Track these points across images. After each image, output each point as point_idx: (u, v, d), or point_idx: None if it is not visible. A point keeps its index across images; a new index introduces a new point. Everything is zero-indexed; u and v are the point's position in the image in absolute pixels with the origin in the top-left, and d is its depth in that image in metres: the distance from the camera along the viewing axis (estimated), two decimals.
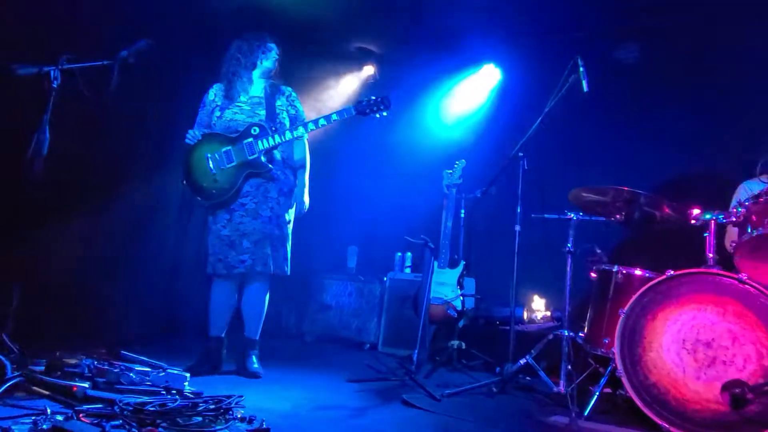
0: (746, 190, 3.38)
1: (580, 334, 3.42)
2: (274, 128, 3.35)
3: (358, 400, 2.93)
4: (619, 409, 3.02)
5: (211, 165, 3.33)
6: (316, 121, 3.30)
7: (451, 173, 4.32)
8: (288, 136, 3.30)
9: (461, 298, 4.08)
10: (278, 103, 3.48)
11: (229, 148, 3.33)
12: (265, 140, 3.29)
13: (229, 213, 3.34)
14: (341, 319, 5.08)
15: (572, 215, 3.30)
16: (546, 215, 3.46)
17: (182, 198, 5.05)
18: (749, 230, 2.79)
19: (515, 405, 3.07)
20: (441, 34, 5.10)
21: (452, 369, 4.06)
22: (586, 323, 3.45)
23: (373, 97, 3.25)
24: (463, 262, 4.18)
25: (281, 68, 3.56)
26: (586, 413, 2.81)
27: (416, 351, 3.39)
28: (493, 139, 5.00)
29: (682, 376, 2.64)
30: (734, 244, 2.85)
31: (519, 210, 3.45)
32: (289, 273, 3.43)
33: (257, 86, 3.51)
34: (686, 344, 2.66)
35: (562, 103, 3.42)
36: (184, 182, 3.40)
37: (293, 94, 3.57)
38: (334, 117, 3.26)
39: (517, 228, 3.42)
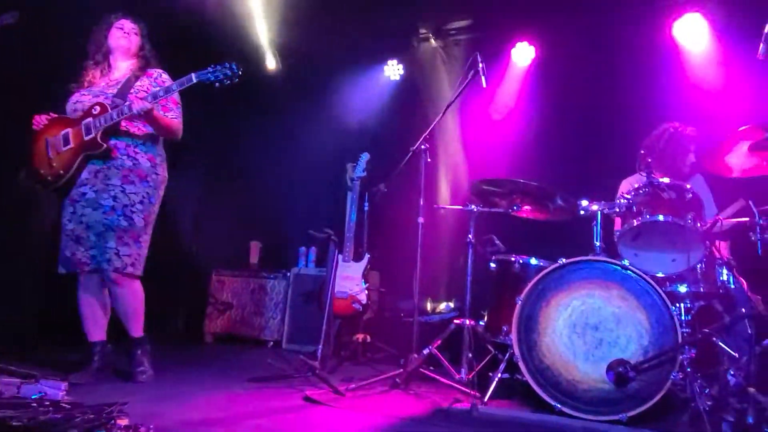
0: (629, 184, 3.64)
1: (481, 323, 3.51)
2: (115, 105, 3.02)
3: (258, 400, 2.82)
4: (517, 393, 3.13)
5: (48, 150, 3.06)
6: (155, 94, 3.01)
7: (355, 166, 4.29)
8: (126, 111, 2.95)
9: (366, 291, 4.06)
10: (138, 83, 3.15)
11: (67, 130, 3.05)
12: (102, 118, 2.99)
13: (72, 205, 3.04)
14: (243, 317, 4.90)
15: (473, 207, 3.37)
16: (447, 206, 3.51)
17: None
18: (630, 220, 2.99)
19: (420, 395, 3.09)
20: (347, 26, 5.05)
21: (358, 363, 4.04)
22: (487, 312, 3.56)
23: (219, 66, 2.96)
24: (367, 256, 4.17)
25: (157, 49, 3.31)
26: (486, 399, 2.89)
27: (320, 346, 3.32)
28: (399, 132, 5.03)
29: (573, 358, 2.78)
30: (617, 233, 3.05)
31: (422, 202, 3.48)
32: (140, 273, 3.09)
33: (120, 69, 3.24)
34: (577, 328, 2.81)
35: (465, 97, 3.50)
36: (24, 171, 3.09)
37: (163, 75, 3.24)
38: (174, 87, 3.00)
39: (420, 220, 3.44)
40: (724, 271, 3.16)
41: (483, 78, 3.48)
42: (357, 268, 4.10)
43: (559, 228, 3.96)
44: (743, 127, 2.86)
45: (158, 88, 3.05)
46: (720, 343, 2.64)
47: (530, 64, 4.96)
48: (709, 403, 2.56)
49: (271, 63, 5.63)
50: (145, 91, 3.12)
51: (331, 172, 4.73)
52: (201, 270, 5.16)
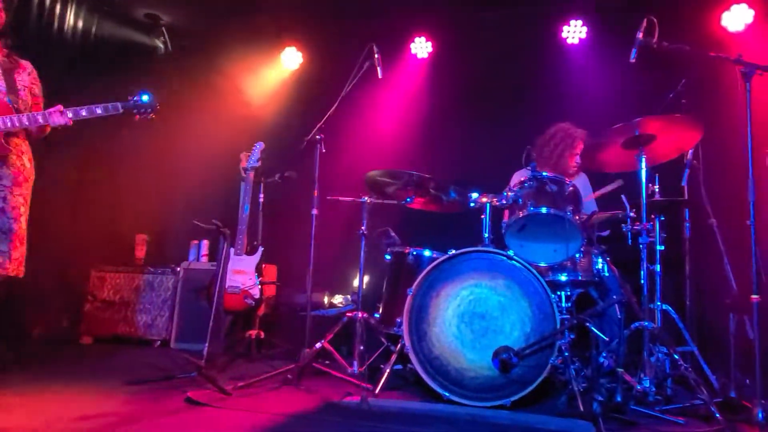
0: (518, 178, 3.79)
1: (376, 315, 3.51)
2: (16, 107, 2.92)
3: (134, 404, 2.61)
4: (409, 383, 3.16)
5: None
6: (77, 111, 2.91)
7: (248, 156, 4.12)
8: (41, 121, 2.89)
9: (260, 285, 3.91)
10: (19, 78, 2.99)
11: None
12: (9, 120, 2.85)
13: None
14: (126, 316, 4.56)
15: (366, 199, 3.34)
16: (340, 198, 3.47)
17: None
18: (517, 212, 3.10)
19: (311, 390, 3.02)
20: (243, 6, 4.84)
21: (251, 360, 3.89)
22: (382, 304, 3.55)
23: (142, 100, 2.96)
24: (261, 249, 4.02)
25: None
26: (377, 391, 2.87)
27: (206, 344, 3.14)
28: (297, 122, 4.90)
29: (461, 347, 2.84)
30: (504, 225, 3.15)
31: (316, 194, 3.40)
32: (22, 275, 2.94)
33: None
34: (465, 317, 2.87)
35: (362, 87, 3.46)
36: None
37: (34, 71, 3.09)
38: (99, 112, 2.92)
39: (314, 212, 3.37)
40: (600, 261, 3.38)
41: (378, 69, 3.47)
42: (250, 262, 3.94)
43: (455, 220, 4.05)
44: (617, 126, 3.05)
45: (82, 108, 2.91)
46: (591, 328, 2.80)
47: (428, 58, 5.02)
48: (583, 384, 2.71)
49: (159, 44, 5.27)
50: (27, 87, 3.01)
51: (225, 162, 4.51)
52: (81, 267, 4.74)
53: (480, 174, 3.97)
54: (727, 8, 4.37)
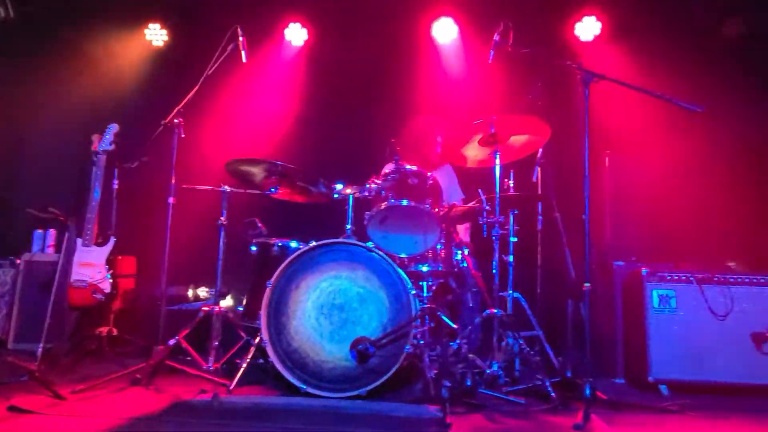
0: (386, 170, 3.84)
1: (239, 308, 3.39)
2: None
3: None
4: (271, 378, 3.09)
5: None
6: None
7: (101, 138, 3.78)
8: None
9: (111, 279, 3.62)
10: None
11: None
12: None
13: None
14: None
15: (226, 188, 3.21)
16: (197, 187, 3.30)
17: None
18: (379, 204, 3.14)
19: (162, 390, 2.86)
20: None
21: (103, 359, 3.60)
22: (246, 297, 3.44)
23: None
24: (113, 239, 3.72)
25: None
26: (232, 387, 2.78)
27: (41, 344, 2.85)
28: (158, 104, 4.58)
29: (320, 339, 2.83)
30: (367, 216, 3.18)
31: (173, 181, 3.21)
32: None
33: None
34: (324, 309, 2.86)
35: (232, 72, 3.30)
36: None
37: None
38: None
39: (171, 200, 3.18)
40: (459, 252, 3.53)
41: (243, 53, 3.33)
42: (100, 254, 3.64)
43: (329, 211, 4.03)
44: (477, 122, 3.19)
45: None
46: (442, 317, 2.91)
47: (303, 46, 4.94)
48: (435, 371, 2.81)
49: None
50: None
51: (75, 144, 4.12)
52: None
53: (351, 165, 3.97)
54: (579, 19, 4.73)
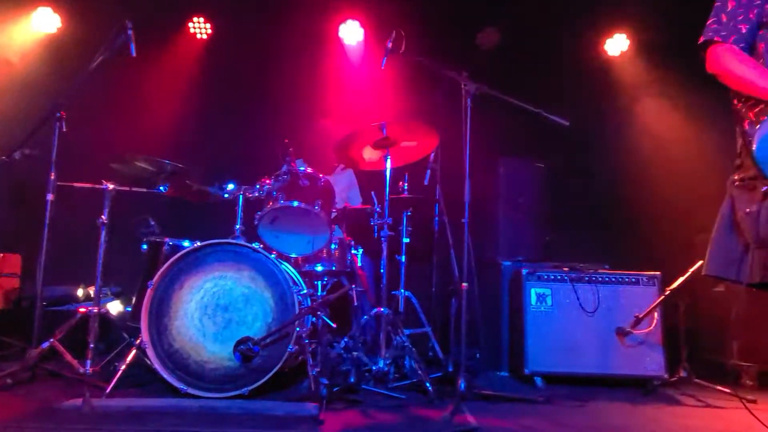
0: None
1: (128, 309, 3.31)
2: None
3: None
4: (151, 380, 3.03)
5: None
6: None
7: None
8: None
9: None
10: None
11: None
12: None
13: None
14: None
15: (109, 185, 3.12)
16: (75, 184, 3.18)
17: None
18: (269, 204, 3.16)
19: (32, 395, 2.74)
20: None
21: None
22: (135, 296, 3.36)
23: None
24: None
25: None
26: (109, 390, 2.72)
27: None
28: (46, 93, 4.35)
29: (203, 339, 2.81)
30: (257, 217, 3.19)
31: (53, 177, 3.07)
32: None
33: None
34: (208, 310, 2.84)
35: (122, 66, 3.19)
36: None
37: None
38: None
39: (49, 197, 3.05)
40: (352, 252, 3.61)
41: (132, 45, 3.24)
42: None
43: (224, 210, 3.99)
44: (368, 126, 3.27)
45: None
46: (323, 316, 2.98)
47: (205, 41, 4.84)
48: (317, 369, 2.87)
49: None
50: None
51: None
52: None
53: (245, 165, 3.95)
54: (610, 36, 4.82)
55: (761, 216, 2.23)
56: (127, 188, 3.17)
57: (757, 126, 2.23)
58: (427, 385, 2.92)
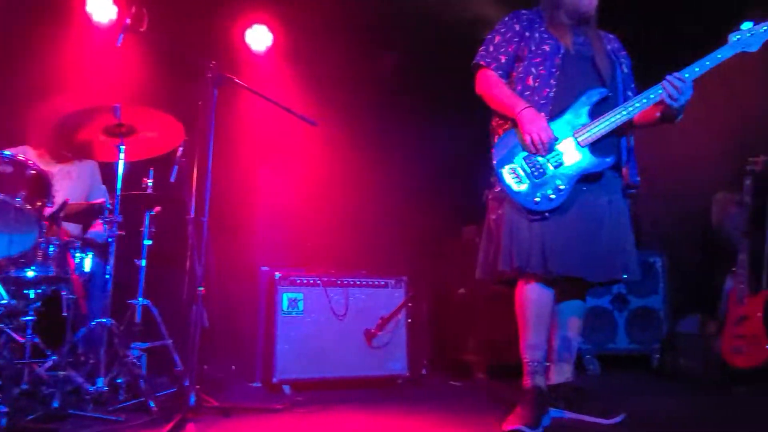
0: None
1: None
2: None
3: None
4: None
5: None
6: None
7: None
8: None
9: None
10: None
11: None
12: None
13: None
14: None
15: None
16: None
17: None
18: None
19: None
20: None
21: None
22: None
23: None
24: None
25: None
26: None
27: None
28: None
29: None
30: None
31: None
32: None
33: None
34: None
35: None
36: None
37: None
38: None
39: None
40: (78, 254, 3.12)
41: None
42: None
43: None
44: (106, 106, 2.85)
45: None
46: (7, 330, 2.49)
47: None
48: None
49: None
50: None
51: None
52: None
53: None
54: (249, 26, 4.64)
55: (499, 222, 2.54)
56: None
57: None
58: (150, 403, 2.60)
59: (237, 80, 2.98)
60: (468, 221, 4.29)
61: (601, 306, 4.24)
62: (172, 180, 3.41)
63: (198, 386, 2.68)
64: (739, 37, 2.39)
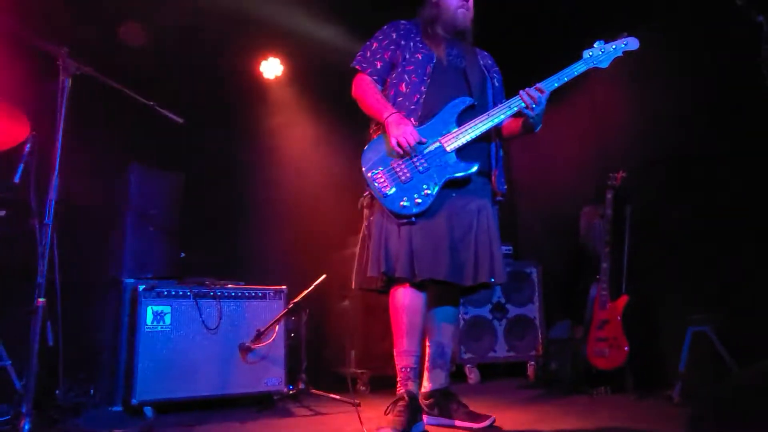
0: None
1: None
2: None
3: None
4: None
5: None
6: None
7: None
8: None
9: None
10: None
11: None
12: None
13: None
14: None
15: None
16: None
17: None
18: None
19: None
20: None
21: None
22: None
23: None
24: None
25: None
26: None
27: None
28: None
29: None
30: None
31: None
32: None
33: None
34: None
35: None
36: None
37: None
38: None
39: None
40: None
41: None
42: None
43: None
44: None
45: None
46: None
47: None
48: None
49: None
50: None
51: None
52: None
53: None
54: (265, 59, 4.86)
55: (370, 228, 2.50)
56: None
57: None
58: None
59: (93, 71, 2.71)
60: (355, 232, 4.25)
61: (482, 315, 4.34)
62: (16, 180, 3.05)
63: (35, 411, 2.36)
64: (591, 53, 2.55)
